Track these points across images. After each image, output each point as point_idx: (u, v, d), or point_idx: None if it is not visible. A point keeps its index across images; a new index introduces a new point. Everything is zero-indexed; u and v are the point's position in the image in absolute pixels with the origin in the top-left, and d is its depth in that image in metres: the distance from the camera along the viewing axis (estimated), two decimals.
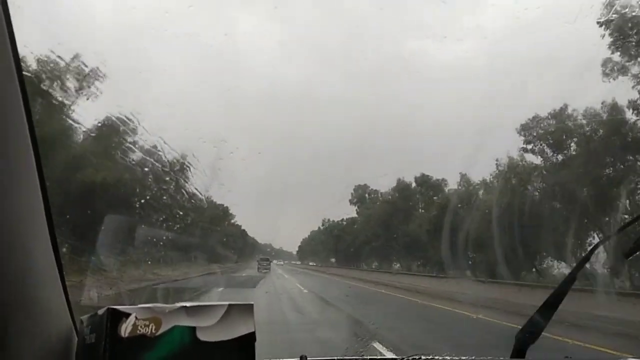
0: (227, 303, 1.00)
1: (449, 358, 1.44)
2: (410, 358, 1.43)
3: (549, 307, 1.59)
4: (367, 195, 55.96)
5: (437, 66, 51.55)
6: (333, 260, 68.00)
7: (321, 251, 77.23)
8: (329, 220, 71.36)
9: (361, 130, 59.50)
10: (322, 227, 71.87)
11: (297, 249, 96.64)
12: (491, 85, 43.02)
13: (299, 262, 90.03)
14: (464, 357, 1.48)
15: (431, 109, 49.55)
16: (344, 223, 61.10)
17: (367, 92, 59.79)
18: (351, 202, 56.83)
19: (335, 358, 1.61)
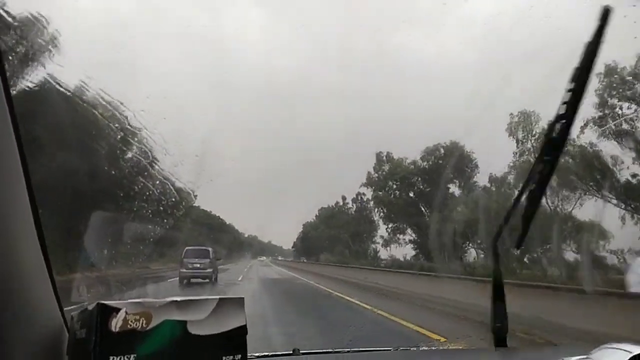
0: (217, 297, 1.00)
1: (428, 349, 1.49)
2: (400, 348, 1.46)
3: (500, 299, 1.68)
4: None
5: (430, 57, 51.53)
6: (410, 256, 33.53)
7: (339, 243, 44.66)
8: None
9: (354, 122, 59.12)
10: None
11: (294, 241, 62.73)
12: (483, 77, 42.93)
13: (302, 260, 55.02)
14: (452, 347, 1.52)
15: (425, 101, 49.25)
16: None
17: (360, 84, 59.50)
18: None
19: (329, 350, 1.63)
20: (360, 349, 1.67)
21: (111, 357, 0.88)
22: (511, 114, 27.97)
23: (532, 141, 27.09)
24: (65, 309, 1.18)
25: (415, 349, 1.53)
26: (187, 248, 21.01)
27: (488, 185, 31.82)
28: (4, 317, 0.94)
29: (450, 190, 33.88)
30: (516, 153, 28.07)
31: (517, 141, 27.97)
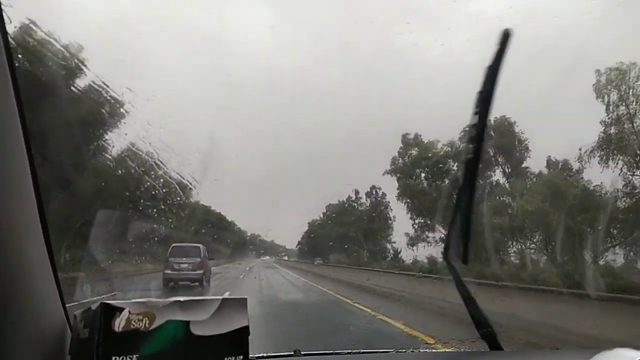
0: (220, 297, 1.01)
1: (428, 351, 1.48)
2: (399, 351, 1.46)
3: (472, 301, 1.63)
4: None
5: (436, 57, 50.94)
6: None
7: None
8: None
9: (359, 120, 58.46)
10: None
11: (299, 240, 51.48)
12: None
13: (317, 261, 42.62)
14: (448, 350, 1.51)
15: (429, 101, 48.55)
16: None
17: (364, 83, 58.92)
18: None
19: (329, 351, 1.63)
20: (361, 350, 1.66)
21: (114, 357, 0.88)
22: (597, 70, 20.50)
23: (630, 104, 20.42)
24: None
25: (415, 351, 1.52)
26: (173, 245, 17.54)
27: (545, 171, 25.34)
28: (7, 315, 0.94)
29: (495, 178, 27.88)
30: (605, 122, 20.89)
31: (608, 105, 20.59)
